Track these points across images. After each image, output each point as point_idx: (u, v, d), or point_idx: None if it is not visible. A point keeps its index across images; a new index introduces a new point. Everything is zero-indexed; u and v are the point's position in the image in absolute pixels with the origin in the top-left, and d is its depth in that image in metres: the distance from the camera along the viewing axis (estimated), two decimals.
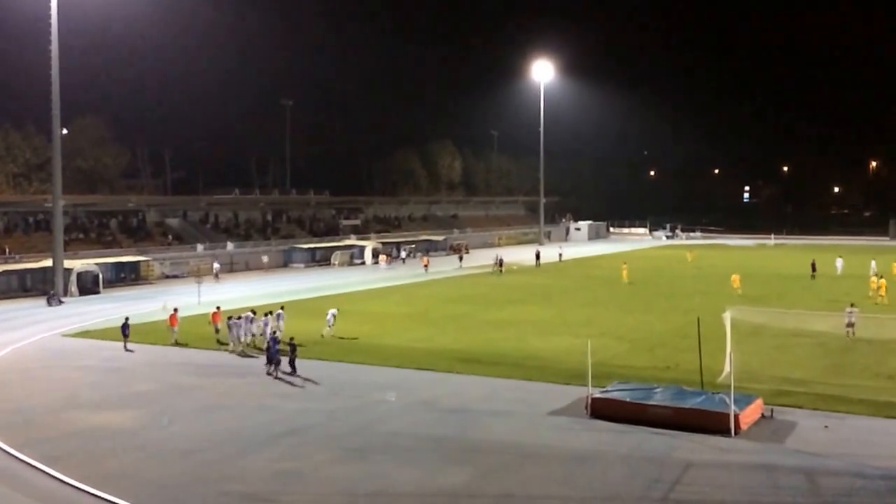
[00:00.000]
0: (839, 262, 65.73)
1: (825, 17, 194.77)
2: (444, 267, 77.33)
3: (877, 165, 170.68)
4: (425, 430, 23.78)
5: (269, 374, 30.63)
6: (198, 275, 60.27)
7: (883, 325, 35.10)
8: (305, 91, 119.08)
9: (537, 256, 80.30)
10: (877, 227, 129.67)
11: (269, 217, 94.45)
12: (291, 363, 31.06)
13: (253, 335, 36.50)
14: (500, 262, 71.94)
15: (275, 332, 34.04)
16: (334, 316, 39.09)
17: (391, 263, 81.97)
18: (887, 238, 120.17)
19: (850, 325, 35.38)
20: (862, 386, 27.60)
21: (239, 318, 36.28)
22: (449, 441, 22.77)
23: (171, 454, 21.69)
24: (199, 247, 76.90)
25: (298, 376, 30.40)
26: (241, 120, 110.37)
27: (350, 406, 26.47)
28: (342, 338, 38.12)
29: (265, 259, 77.03)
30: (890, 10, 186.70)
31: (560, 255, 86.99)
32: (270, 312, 37.74)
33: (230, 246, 79.38)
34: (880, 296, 47.66)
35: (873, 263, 61.20)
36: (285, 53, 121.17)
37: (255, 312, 37.77)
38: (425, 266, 74.37)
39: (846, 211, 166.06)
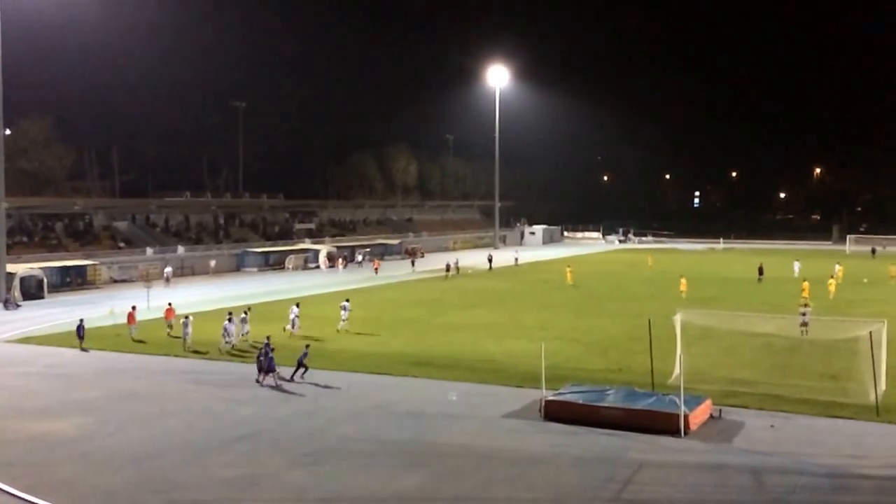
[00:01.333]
0: (796, 265, 68.91)
1: (771, 28, 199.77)
2: (397, 271, 77.29)
3: (820, 173, 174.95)
4: (379, 435, 23.71)
5: (257, 381, 30.02)
6: (147, 279, 59.27)
7: (826, 326, 35.94)
8: (259, 93, 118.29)
9: (489, 260, 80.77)
10: (820, 231, 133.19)
11: (222, 220, 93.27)
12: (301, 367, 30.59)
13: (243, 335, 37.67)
14: (449, 267, 71.72)
15: (268, 340, 31.83)
16: (346, 309, 41.44)
17: (346, 267, 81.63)
18: (830, 242, 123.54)
19: (804, 324, 36.53)
20: (806, 386, 28.23)
21: (230, 318, 37.03)
22: (403, 445, 22.74)
23: (119, 462, 21.28)
24: (149, 250, 75.66)
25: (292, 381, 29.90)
26: (193, 121, 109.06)
27: (303, 411, 26.29)
28: (306, 336, 37.99)
29: (212, 263, 75.93)
30: (831, 24, 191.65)
31: (516, 259, 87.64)
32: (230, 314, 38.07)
33: (181, 250, 78.22)
34: (804, 297, 49.24)
35: (797, 265, 68.03)
36: (239, 54, 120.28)
37: (245, 312, 39.77)
38: (375, 269, 75.52)
39: (791, 216, 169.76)
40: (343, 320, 41.10)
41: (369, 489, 19.34)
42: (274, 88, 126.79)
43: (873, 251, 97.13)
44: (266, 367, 29.67)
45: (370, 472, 20.51)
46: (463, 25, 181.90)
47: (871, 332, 26.40)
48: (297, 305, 41.75)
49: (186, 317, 38.03)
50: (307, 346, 31.96)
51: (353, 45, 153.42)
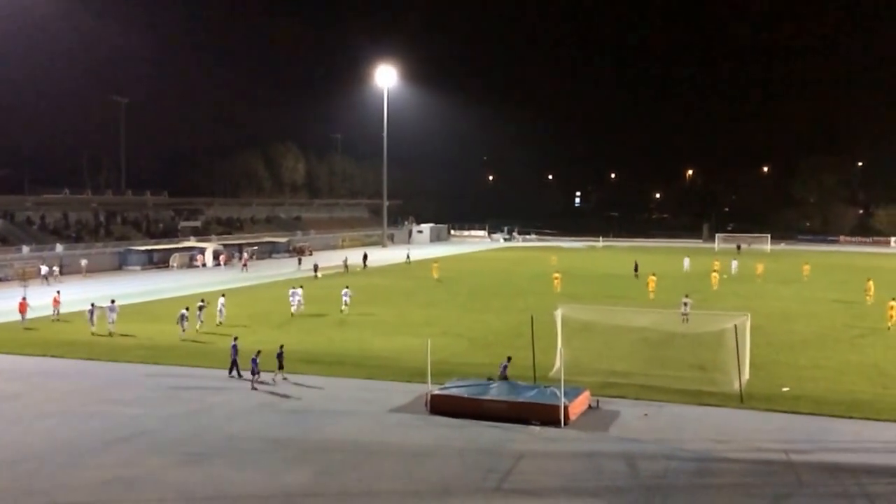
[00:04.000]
0: (686, 261, 75.44)
1: (648, 33, 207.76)
2: (284, 269, 76.53)
3: (692, 174, 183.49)
4: (266, 432, 23.70)
5: (235, 377, 30.00)
6: (23, 278, 56.70)
7: (697, 320, 38.04)
8: (143, 89, 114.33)
9: (364, 258, 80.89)
10: (692, 230, 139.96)
11: (103, 218, 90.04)
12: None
13: (201, 322, 40.35)
14: (316, 268, 70.66)
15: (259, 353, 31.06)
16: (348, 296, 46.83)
17: (233, 265, 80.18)
18: (700, 240, 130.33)
19: (685, 314, 39.26)
20: (677, 376, 29.86)
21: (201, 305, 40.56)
22: (290, 442, 22.82)
23: None
24: (25, 248, 72.30)
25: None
26: (73, 117, 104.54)
27: (187, 410, 25.96)
28: (195, 340, 37.32)
29: (84, 263, 72.52)
30: (707, 33, 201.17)
31: (408, 255, 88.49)
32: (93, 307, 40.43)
33: (59, 248, 75.03)
34: (650, 290, 53.82)
35: (686, 261, 75.02)
36: (122, 49, 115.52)
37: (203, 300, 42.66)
38: (244, 266, 76.76)
39: (665, 216, 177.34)
40: (346, 304, 47.05)
41: (255, 486, 19.39)
42: (159, 85, 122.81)
43: (738, 248, 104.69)
44: (251, 369, 28.91)
45: (256, 469, 20.53)
46: (351, 25, 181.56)
47: (735, 326, 28.25)
48: (223, 296, 44.87)
49: (112, 301, 40.83)
50: (281, 345, 30.96)
51: (240, 42, 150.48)
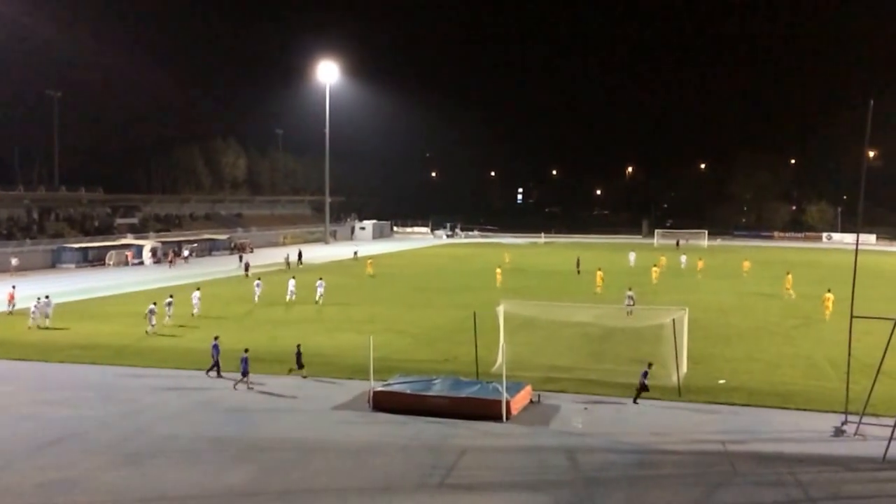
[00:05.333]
0: (632, 256, 78.01)
1: (589, 32, 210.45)
2: (224, 266, 75.41)
3: (632, 171, 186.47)
4: (205, 432, 23.33)
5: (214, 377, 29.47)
6: None
7: (637, 315, 38.64)
8: (78, 83, 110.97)
9: (299, 256, 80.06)
10: (632, 226, 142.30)
11: (35, 215, 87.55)
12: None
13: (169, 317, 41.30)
14: (247, 267, 68.75)
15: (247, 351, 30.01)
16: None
17: (175, 263, 78.70)
18: (640, 236, 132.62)
19: (630, 305, 40.81)
20: (617, 370, 30.27)
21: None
22: (230, 441, 22.51)
23: None
24: None
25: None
26: (2, 110, 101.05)
27: (123, 411, 25.40)
28: (165, 336, 36.42)
29: (14, 262, 70.25)
30: (645, 32, 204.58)
31: (356, 252, 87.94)
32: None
33: None
34: (598, 285, 55.08)
35: (632, 256, 77.80)
36: (56, 42, 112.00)
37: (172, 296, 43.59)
38: (170, 263, 76.93)
39: (606, 212, 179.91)
40: (320, 296, 49.79)
41: (195, 486, 19.07)
42: (94, 79, 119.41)
43: (677, 244, 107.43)
44: (241, 370, 28.15)
45: (195, 469, 20.21)
46: (292, 20, 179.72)
47: (674, 320, 28.76)
48: (199, 289, 46.69)
49: (46, 296, 41.74)
50: (245, 350, 29.61)
51: (178, 36, 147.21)
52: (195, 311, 43.95)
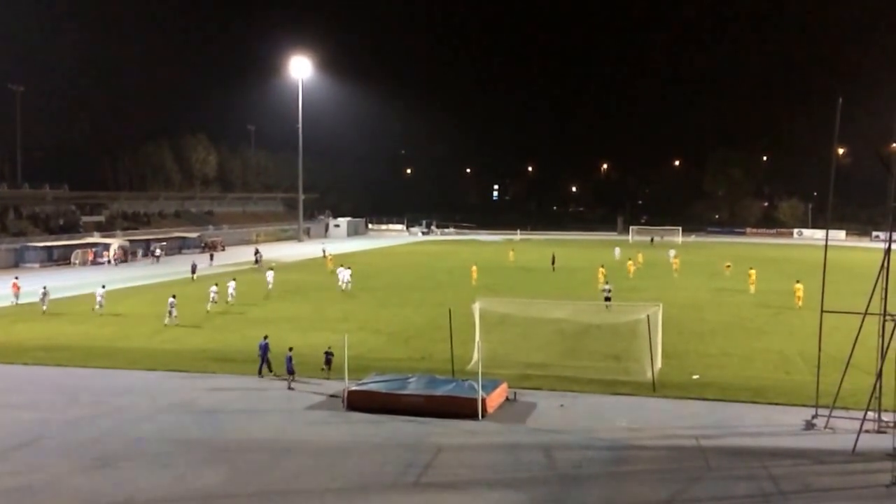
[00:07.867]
0: (617, 251, 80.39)
1: (564, 33, 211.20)
2: (199, 264, 74.43)
3: (606, 168, 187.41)
4: (177, 434, 22.94)
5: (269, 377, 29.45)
6: None
7: (612, 311, 38.69)
8: (41, 77, 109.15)
9: (256, 253, 78.86)
10: (607, 223, 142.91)
11: None
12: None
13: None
14: (194, 268, 65.20)
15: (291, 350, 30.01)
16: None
17: (143, 261, 77.84)
18: (615, 233, 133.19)
19: (608, 298, 40.86)
20: (593, 367, 30.30)
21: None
22: (203, 442, 22.14)
23: None
24: None
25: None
26: None
27: (92, 414, 24.89)
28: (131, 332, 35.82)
29: None
30: (619, 31, 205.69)
31: (325, 250, 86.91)
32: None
33: None
34: (602, 277, 55.42)
35: (617, 251, 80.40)
36: (19, 35, 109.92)
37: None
38: (122, 260, 77.26)
39: (581, 209, 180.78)
40: (346, 282, 54.29)
41: (167, 489, 18.71)
42: (60, 73, 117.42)
43: (652, 240, 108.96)
44: (286, 368, 28.19)
45: (168, 472, 19.83)
46: (264, 14, 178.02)
47: (648, 316, 28.78)
48: (234, 280, 50.19)
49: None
50: (290, 349, 29.55)
51: (148, 31, 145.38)
52: (229, 299, 47.51)
